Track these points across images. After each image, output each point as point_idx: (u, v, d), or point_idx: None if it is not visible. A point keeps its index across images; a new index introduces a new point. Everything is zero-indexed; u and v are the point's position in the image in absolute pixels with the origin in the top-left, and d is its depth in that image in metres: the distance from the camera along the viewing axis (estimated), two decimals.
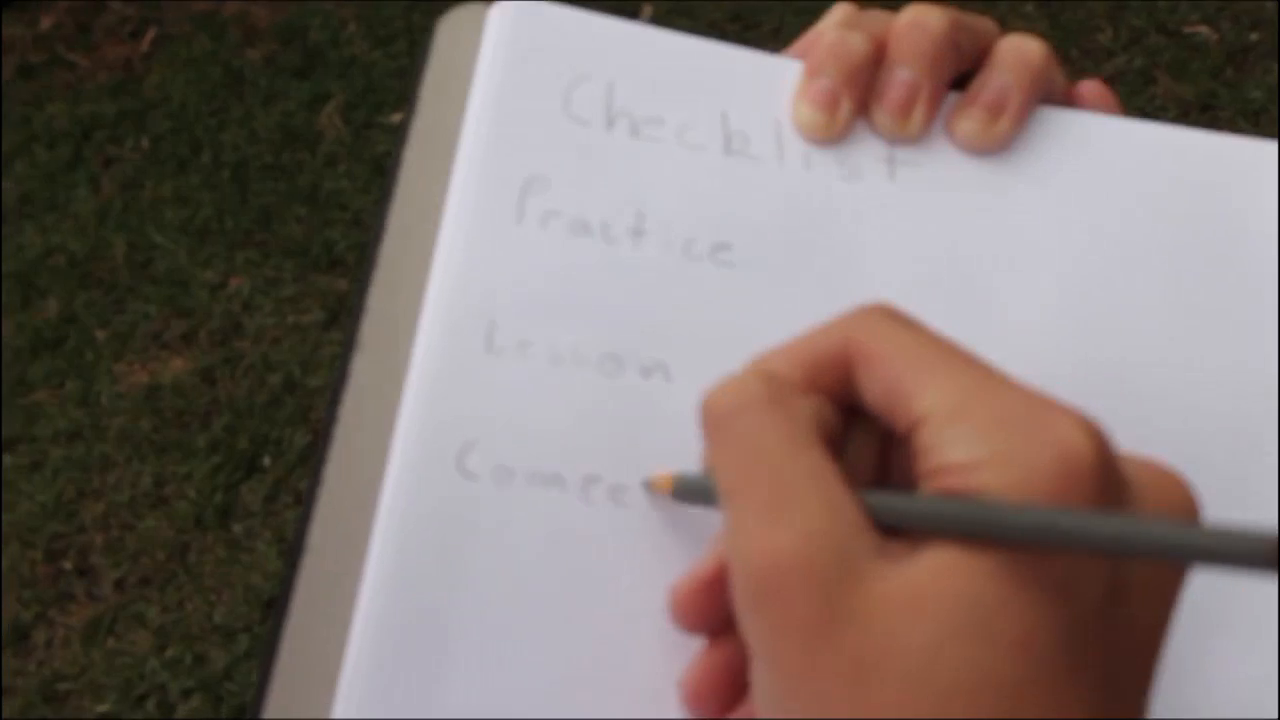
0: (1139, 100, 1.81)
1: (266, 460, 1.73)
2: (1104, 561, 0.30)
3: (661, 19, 2.01)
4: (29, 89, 2.16)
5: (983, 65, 0.45)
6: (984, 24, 0.46)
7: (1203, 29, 1.88)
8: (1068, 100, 0.47)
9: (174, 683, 1.58)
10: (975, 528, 0.30)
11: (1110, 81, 1.85)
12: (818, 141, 0.45)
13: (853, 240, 0.44)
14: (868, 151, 0.45)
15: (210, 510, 1.70)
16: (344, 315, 1.82)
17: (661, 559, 0.40)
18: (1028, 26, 1.85)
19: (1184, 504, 0.32)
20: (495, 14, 0.45)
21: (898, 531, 0.31)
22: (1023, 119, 0.45)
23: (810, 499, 0.32)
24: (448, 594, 0.39)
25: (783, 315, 0.43)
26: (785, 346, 0.36)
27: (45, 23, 2.20)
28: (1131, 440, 0.41)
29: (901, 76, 0.44)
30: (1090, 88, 0.47)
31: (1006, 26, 0.46)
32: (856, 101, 0.44)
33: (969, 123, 0.45)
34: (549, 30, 0.45)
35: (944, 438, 0.31)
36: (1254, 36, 1.86)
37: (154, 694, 1.58)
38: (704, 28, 1.98)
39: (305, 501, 0.40)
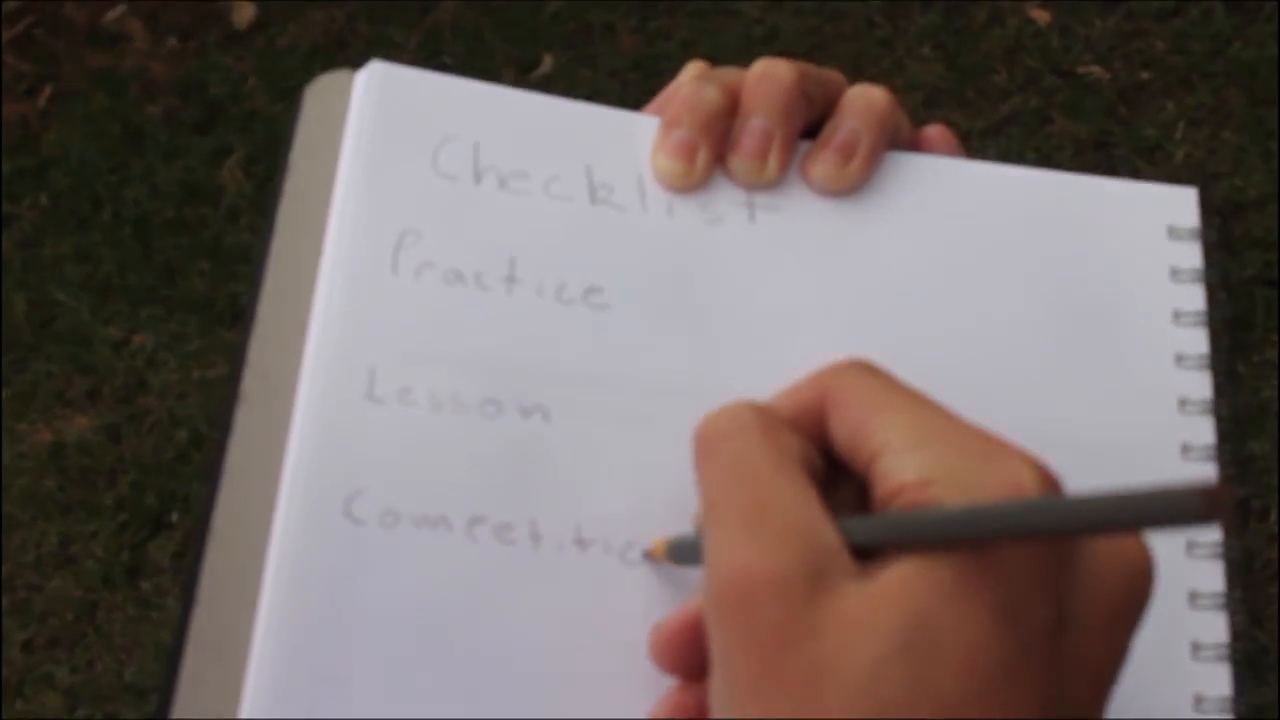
0: (1035, 140, 1.85)
1: (174, 516, 1.72)
2: (1052, 589, 0.31)
3: (563, 68, 2.02)
4: None
5: (832, 113, 0.48)
6: (831, 75, 0.48)
7: (1096, 69, 1.92)
8: (914, 145, 0.50)
9: None
10: (925, 530, 0.31)
11: (1007, 122, 1.91)
12: (678, 191, 0.47)
13: (718, 281, 0.46)
14: (728, 198, 0.47)
15: (118, 569, 1.68)
16: None
17: (546, 595, 0.41)
18: (924, 68, 1.88)
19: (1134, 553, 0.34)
20: (361, 80, 0.47)
21: (873, 558, 0.33)
22: (873, 161, 0.47)
23: (789, 517, 0.33)
24: (340, 638, 0.40)
25: (656, 352, 0.45)
26: (772, 398, 0.37)
27: None
28: None
29: (755, 125, 0.46)
30: (935, 132, 0.50)
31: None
32: (713, 151, 0.46)
33: (822, 166, 0.47)
34: (414, 94, 0.47)
35: (899, 463, 0.33)
36: (1145, 75, 1.91)
37: None
38: (605, 76, 2.00)
39: (193, 557, 0.41)
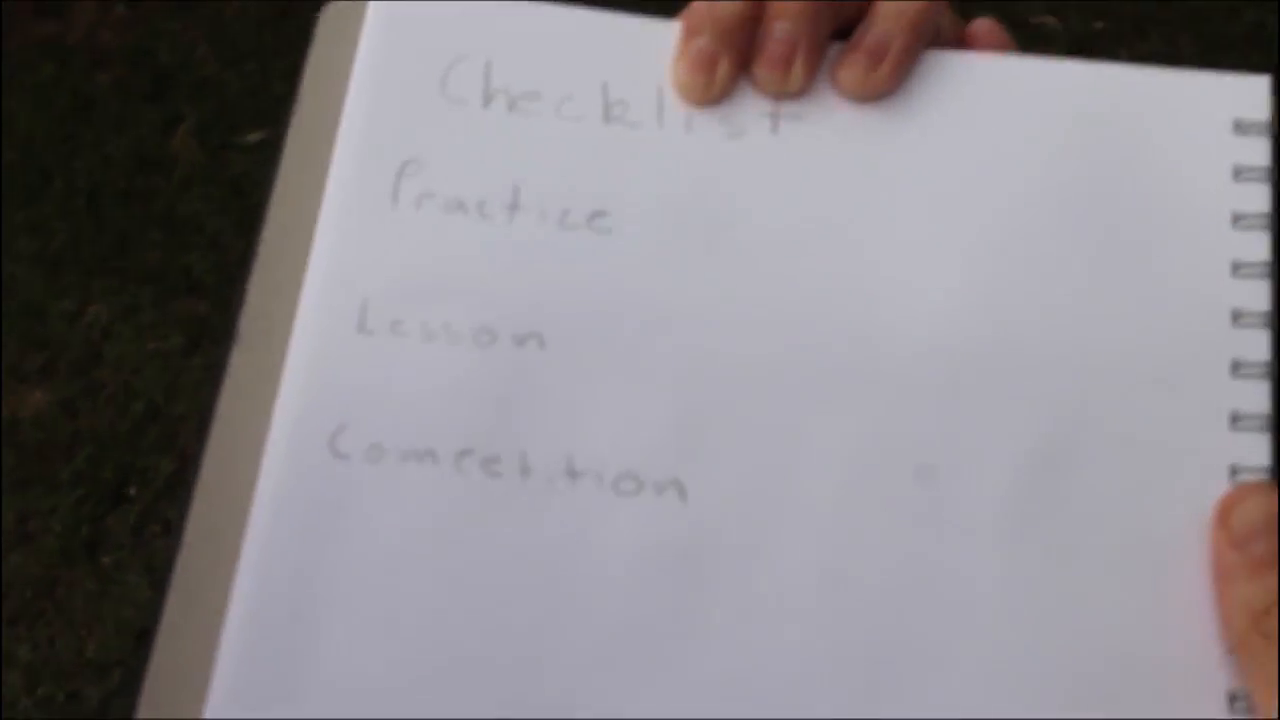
0: None
1: (132, 490, 1.70)
2: None
3: None
4: None
5: (864, 17, 0.46)
6: None
7: (1049, 19, 1.92)
8: (959, 43, 0.47)
9: None
10: None
11: None
12: (698, 104, 0.45)
13: (735, 198, 0.44)
14: (750, 109, 0.45)
15: (77, 544, 1.67)
16: (205, 340, 1.80)
17: (534, 528, 0.41)
18: None
19: None
20: (372, 6, 0.46)
21: None
22: (905, 64, 0.45)
23: None
24: (322, 575, 0.40)
25: (661, 276, 0.44)
26: None
27: None
28: (1042, 385, 0.42)
29: (780, 31, 0.44)
30: (983, 27, 0.48)
31: None
32: (735, 62, 0.45)
33: (851, 70, 0.45)
34: (427, 14, 0.46)
35: None
36: (1099, 25, 1.90)
37: None
38: (620, 6, 1.98)
39: (180, 507, 0.40)
